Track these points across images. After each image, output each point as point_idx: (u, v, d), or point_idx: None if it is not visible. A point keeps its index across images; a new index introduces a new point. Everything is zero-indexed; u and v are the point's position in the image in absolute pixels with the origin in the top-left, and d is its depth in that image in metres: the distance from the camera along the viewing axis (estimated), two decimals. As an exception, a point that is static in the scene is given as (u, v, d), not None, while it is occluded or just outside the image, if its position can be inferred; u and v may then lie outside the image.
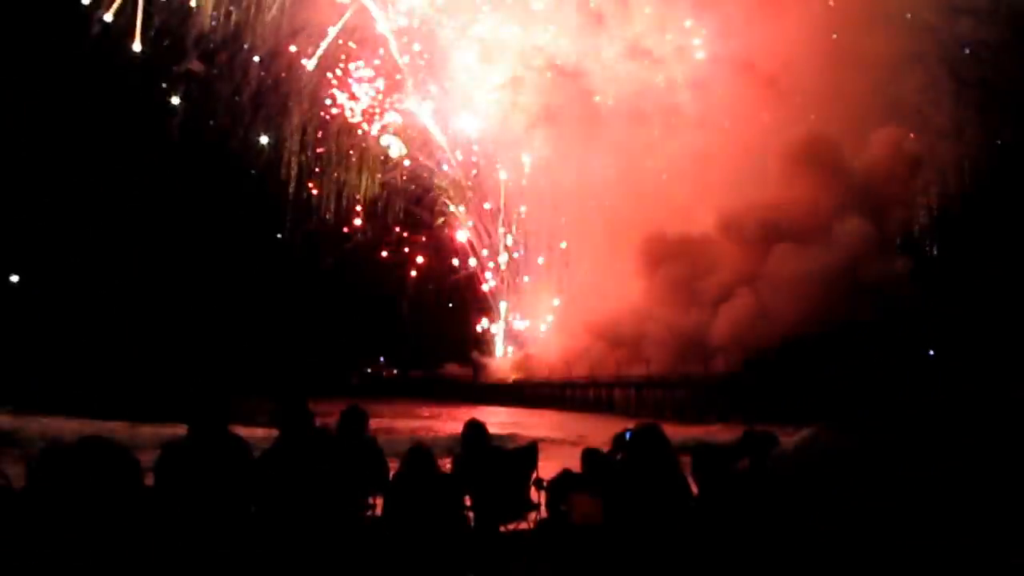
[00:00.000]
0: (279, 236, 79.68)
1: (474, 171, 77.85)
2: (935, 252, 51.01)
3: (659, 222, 55.91)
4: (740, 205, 51.53)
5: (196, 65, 70.02)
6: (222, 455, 5.38)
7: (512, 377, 71.31)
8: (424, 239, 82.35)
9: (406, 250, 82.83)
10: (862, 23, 53.34)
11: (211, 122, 72.43)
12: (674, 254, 53.89)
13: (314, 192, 79.56)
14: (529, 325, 76.81)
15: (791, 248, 48.44)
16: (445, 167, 78.27)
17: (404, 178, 79.70)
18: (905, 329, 38.51)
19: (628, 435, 5.89)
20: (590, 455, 7.01)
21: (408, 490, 6.28)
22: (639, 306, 55.22)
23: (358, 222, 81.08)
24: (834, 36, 53.97)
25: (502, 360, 77.70)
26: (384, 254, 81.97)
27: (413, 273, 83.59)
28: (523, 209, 76.68)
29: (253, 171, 75.23)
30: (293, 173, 77.15)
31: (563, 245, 74.46)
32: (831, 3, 54.33)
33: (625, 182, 63.02)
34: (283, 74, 73.44)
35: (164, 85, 70.59)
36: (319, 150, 77.79)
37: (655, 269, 55.37)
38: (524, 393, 64.99)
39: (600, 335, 57.99)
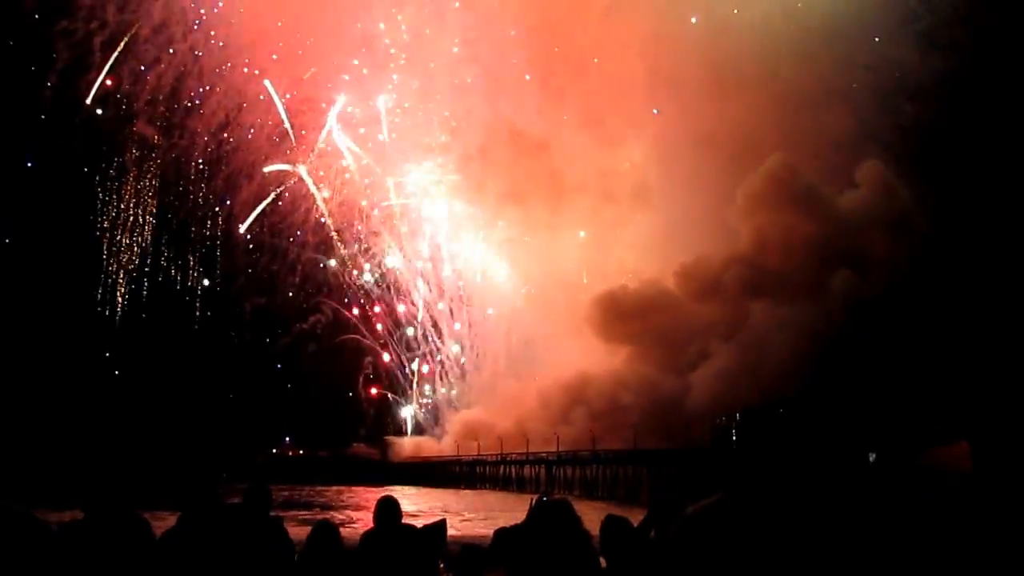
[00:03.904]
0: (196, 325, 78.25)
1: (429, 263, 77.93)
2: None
3: (629, 291, 55.47)
4: (714, 263, 51.06)
5: None
6: (120, 537, 5.20)
7: (420, 456, 70.43)
8: (353, 319, 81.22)
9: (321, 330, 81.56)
10: (815, 102, 54.75)
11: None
12: (646, 320, 52.97)
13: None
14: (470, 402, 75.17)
15: (770, 304, 47.61)
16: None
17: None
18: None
19: (545, 499, 5.91)
20: (501, 533, 6.98)
21: (313, 570, 6.15)
22: (615, 375, 53.67)
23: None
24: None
25: (412, 440, 76.72)
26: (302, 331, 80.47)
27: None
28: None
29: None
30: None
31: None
32: (786, 83, 55.28)
33: (592, 257, 63.32)
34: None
35: None
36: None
37: (626, 337, 54.40)
38: (434, 472, 64.15)
39: (568, 406, 55.76)
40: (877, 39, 56.83)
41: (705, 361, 48.35)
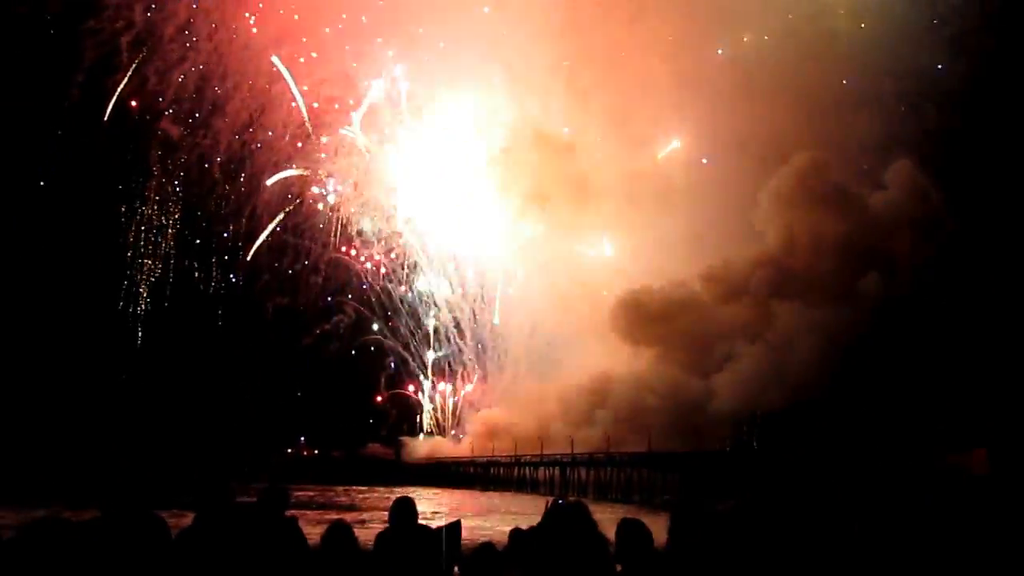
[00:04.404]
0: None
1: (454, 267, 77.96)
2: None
3: (654, 293, 54.98)
4: (741, 265, 50.90)
5: None
6: (137, 536, 5.21)
7: (435, 457, 70.42)
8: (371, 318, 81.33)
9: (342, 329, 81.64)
10: (842, 105, 54.75)
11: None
12: (671, 322, 52.70)
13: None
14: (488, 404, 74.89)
15: (797, 306, 47.14)
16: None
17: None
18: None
19: (561, 502, 5.89)
20: (517, 534, 6.95)
21: (328, 569, 6.15)
22: (639, 377, 53.17)
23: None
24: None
25: (426, 440, 76.76)
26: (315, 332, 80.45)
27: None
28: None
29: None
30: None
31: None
32: (813, 86, 55.08)
33: (616, 259, 63.25)
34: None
35: None
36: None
37: (651, 339, 54.09)
38: (448, 473, 64.14)
39: (590, 408, 55.23)
40: (903, 44, 56.38)
41: (730, 363, 48.06)
